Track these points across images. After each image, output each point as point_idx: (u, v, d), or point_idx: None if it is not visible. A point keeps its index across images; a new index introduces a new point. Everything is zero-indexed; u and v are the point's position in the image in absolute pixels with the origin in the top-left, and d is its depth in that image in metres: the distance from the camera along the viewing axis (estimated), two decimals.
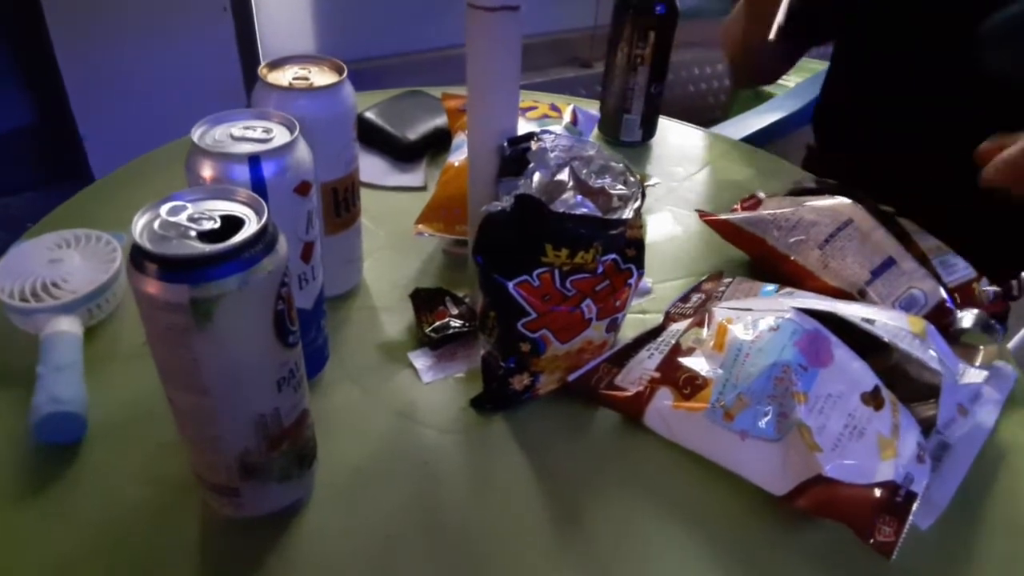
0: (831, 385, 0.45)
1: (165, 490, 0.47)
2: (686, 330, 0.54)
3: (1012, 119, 0.63)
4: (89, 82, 1.85)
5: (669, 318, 0.60)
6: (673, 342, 0.53)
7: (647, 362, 0.53)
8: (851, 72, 0.93)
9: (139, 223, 0.35)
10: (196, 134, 0.44)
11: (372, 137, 0.85)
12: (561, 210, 0.50)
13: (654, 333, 0.57)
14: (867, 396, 0.45)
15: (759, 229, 0.67)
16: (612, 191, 0.53)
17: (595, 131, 0.89)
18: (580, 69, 2.40)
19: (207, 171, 0.43)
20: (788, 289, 0.59)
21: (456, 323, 0.59)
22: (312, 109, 0.52)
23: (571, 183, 0.54)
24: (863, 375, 0.46)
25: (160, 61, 1.87)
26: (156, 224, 0.36)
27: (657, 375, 0.51)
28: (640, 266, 0.53)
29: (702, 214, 0.71)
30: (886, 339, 0.48)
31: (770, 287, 0.60)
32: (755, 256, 0.70)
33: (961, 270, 0.64)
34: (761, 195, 0.74)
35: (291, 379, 0.40)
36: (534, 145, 0.53)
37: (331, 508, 0.47)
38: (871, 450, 0.42)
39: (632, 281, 0.53)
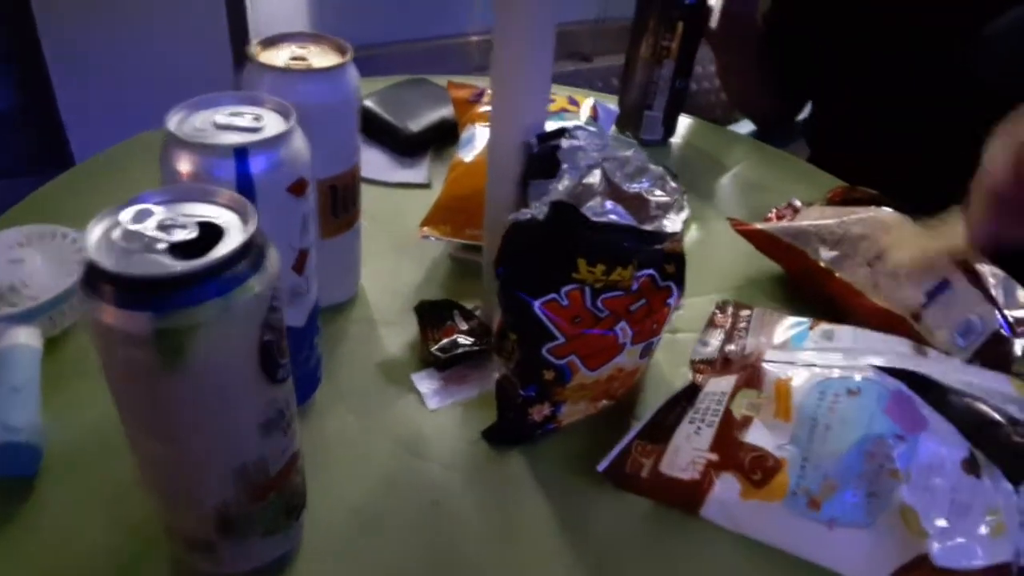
0: (929, 456, 0.39)
1: (134, 537, 0.40)
2: (733, 393, 0.46)
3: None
4: (73, 66, 1.76)
5: (696, 368, 0.53)
6: (721, 409, 0.46)
7: (696, 439, 0.45)
8: (839, 82, 0.89)
9: (94, 233, 0.28)
10: (173, 122, 0.37)
11: (371, 128, 0.78)
12: (593, 218, 0.43)
13: (688, 395, 0.49)
14: (966, 463, 0.39)
15: (800, 241, 0.61)
16: (650, 197, 0.47)
17: (612, 128, 0.83)
18: (581, 63, 2.33)
19: (185, 166, 0.36)
20: (824, 326, 0.52)
21: (466, 341, 0.53)
22: (311, 94, 0.45)
23: (601, 187, 0.47)
24: (955, 438, 0.40)
25: (147, 45, 1.79)
26: (116, 234, 0.29)
27: (714, 457, 0.44)
28: (680, 284, 0.47)
29: (735, 223, 0.65)
30: (995, 415, 0.41)
31: (801, 323, 0.53)
32: (793, 271, 0.63)
33: (1018, 293, 0.58)
34: (798, 203, 0.68)
35: (279, 421, 0.33)
36: (565, 143, 0.46)
37: (324, 559, 0.41)
38: (980, 527, 0.36)
39: (672, 301, 0.47)
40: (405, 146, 0.77)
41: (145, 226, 0.29)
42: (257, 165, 0.36)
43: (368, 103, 0.80)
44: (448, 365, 0.52)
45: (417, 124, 0.78)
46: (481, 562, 0.41)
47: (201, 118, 0.38)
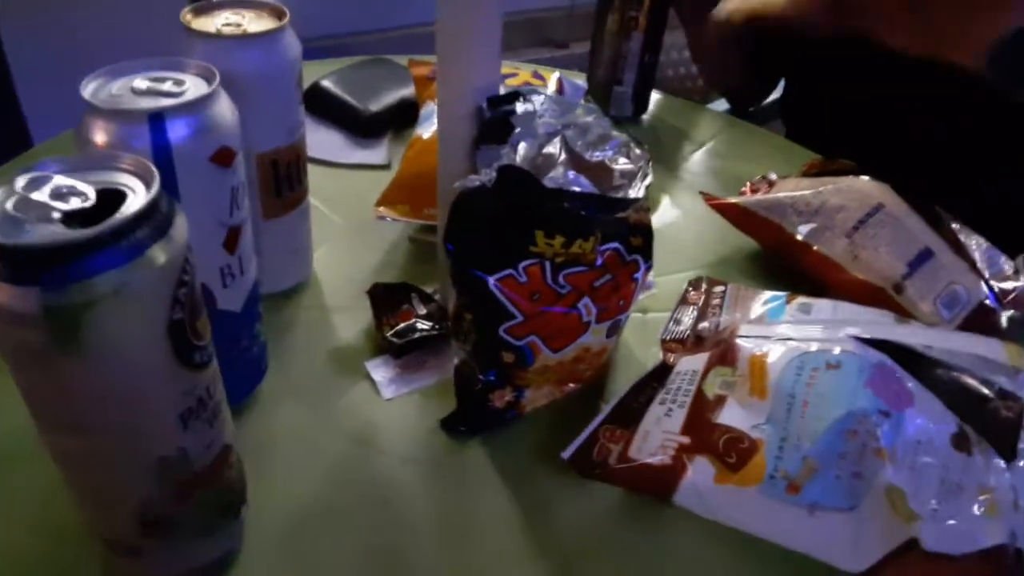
0: (916, 432, 0.36)
1: (65, 543, 0.37)
2: (706, 371, 0.43)
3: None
4: (32, 51, 1.71)
5: (666, 347, 0.50)
6: (693, 389, 0.43)
7: (666, 421, 0.41)
8: (815, 56, 0.86)
9: None
10: (88, 89, 0.34)
11: (328, 108, 0.75)
12: (548, 185, 0.40)
13: (658, 375, 0.46)
14: (956, 439, 0.36)
15: (775, 214, 0.58)
16: (613, 165, 0.44)
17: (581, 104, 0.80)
18: (556, 50, 2.30)
19: (99, 135, 0.33)
20: (801, 299, 0.50)
21: (423, 325, 0.50)
22: (246, 61, 0.42)
23: (562, 156, 0.44)
24: (943, 414, 0.37)
25: (108, 30, 1.73)
26: (9, 203, 0.26)
27: (686, 440, 0.40)
28: (648, 257, 0.44)
29: (707, 197, 0.62)
30: (983, 389, 0.39)
31: (777, 296, 0.51)
32: (769, 245, 0.61)
33: (1002, 263, 0.56)
34: (773, 176, 0.65)
35: (201, 411, 0.30)
36: (520, 107, 0.43)
37: (267, 563, 0.38)
38: (973, 508, 0.33)
39: (639, 275, 0.44)
40: (364, 127, 0.74)
41: (40, 194, 0.25)
42: (175, 131, 0.32)
43: (325, 83, 0.76)
44: (404, 351, 0.49)
45: (377, 104, 0.75)
46: (438, 563, 0.38)
47: (120, 84, 0.34)
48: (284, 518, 0.39)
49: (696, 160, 0.76)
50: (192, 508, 0.32)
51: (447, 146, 0.45)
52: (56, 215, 0.25)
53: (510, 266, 0.40)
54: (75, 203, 0.25)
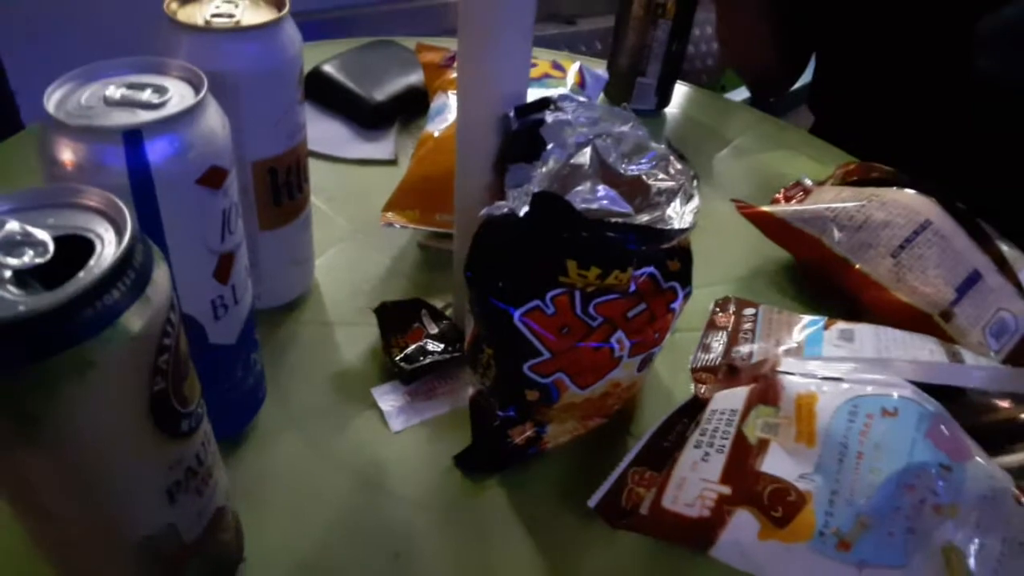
0: (977, 487, 0.33)
1: None
2: (746, 410, 0.39)
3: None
4: (21, 31, 1.64)
5: (697, 378, 0.46)
6: (732, 432, 0.38)
7: (704, 467, 0.37)
8: (847, 37, 0.81)
9: None
10: (52, 100, 0.29)
11: (331, 97, 0.70)
12: (581, 206, 0.36)
13: (689, 410, 0.42)
14: (1019, 495, 0.32)
15: (815, 227, 0.54)
16: (651, 181, 0.39)
17: (600, 96, 0.75)
18: (564, 26, 2.22)
19: (66, 155, 0.28)
20: (840, 325, 0.46)
21: (434, 347, 0.45)
22: (240, 58, 0.37)
23: (592, 168, 0.40)
24: (993, 466, 0.34)
25: (97, 11, 1.67)
26: None
27: (727, 491, 0.36)
28: (686, 283, 0.40)
29: (740, 205, 0.58)
30: None
31: (815, 321, 0.47)
32: (806, 260, 0.56)
33: None
34: (808, 182, 0.61)
35: (190, 481, 0.26)
36: (550, 117, 0.38)
37: None
38: None
39: (676, 305, 0.40)
40: (369, 118, 0.69)
41: None
42: (155, 152, 0.27)
43: (327, 68, 0.71)
44: (415, 377, 0.44)
45: (382, 92, 0.70)
46: None
47: (89, 93, 0.29)
48: (284, 573, 0.35)
49: (723, 159, 0.71)
50: None
51: (467, 158, 0.40)
52: (6, 274, 0.20)
53: (537, 297, 0.35)
54: (30, 257, 0.21)
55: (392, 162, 0.65)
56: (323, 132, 0.67)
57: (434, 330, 0.47)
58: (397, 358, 0.44)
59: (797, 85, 1.03)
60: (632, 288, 0.38)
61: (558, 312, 0.36)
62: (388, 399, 0.44)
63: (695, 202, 0.37)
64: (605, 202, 0.37)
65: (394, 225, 0.52)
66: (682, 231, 0.35)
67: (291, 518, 0.38)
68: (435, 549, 0.37)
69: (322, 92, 0.70)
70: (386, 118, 0.69)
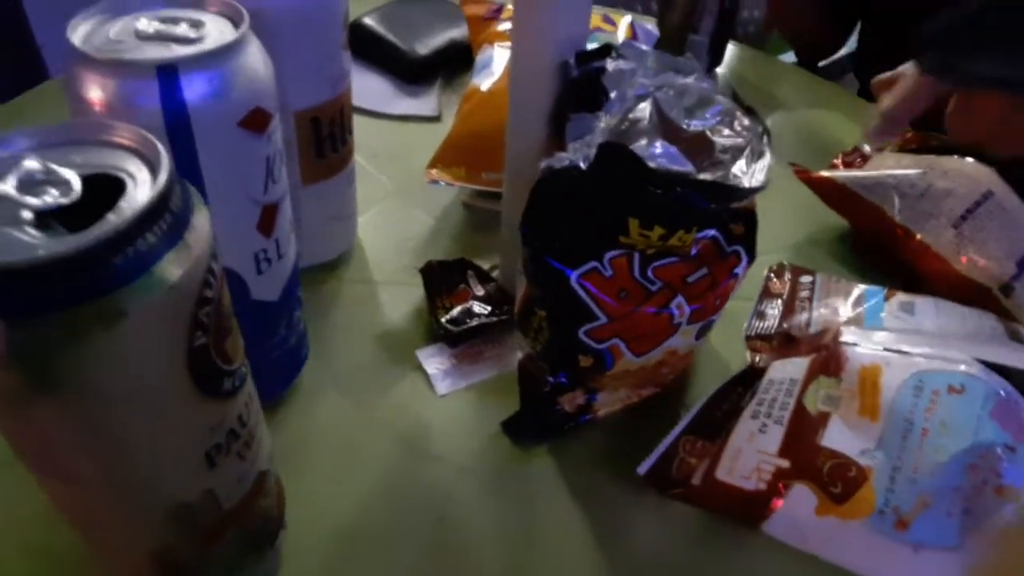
0: None
1: (65, 568, 0.32)
2: (807, 381, 0.37)
3: None
4: None
5: (752, 346, 0.44)
6: (792, 403, 0.37)
7: (761, 439, 0.36)
8: (889, 15, 0.77)
9: None
10: (78, 33, 0.27)
11: (371, 50, 0.67)
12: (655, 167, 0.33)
13: (743, 380, 0.40)
14: None
15: (876, 195, 0.51)
16: (716, 137, 0.37)
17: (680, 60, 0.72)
18: None
19: (93, 92, 0.26)
20: (901, 296, 0.44)
21: (481, 309, 0.44)
22: None
23: (651, 123, 0.37)
24: None
25: None
26: None
27: (785, 464, 0.35)
28: (750, 249, 0.37)
29: (798, 169, 0.54)
30: None
31: (874, 291, 0.45)
32: (864, 228, 0.53)
33: None
34: (867, 149, 0.58)
35: (232, 444, 0.24)
36: (611, 65, 0.36)
37: None
38: None
39: (739, 270, 0.37)
40: (411, 72, 0.66)
41: (3, 184, 0.19)
42: (192, 90, 0.26)
43: (367, 21, 0.69)
44: (460, 340, 0.43)
45: (425, 46, 0.67)
46: None
47: (119, 26, 0.28)
48: (325, 538, 0.34)
49: (777, 122, 0.68)
50: (221, 549, 0.27)
51: (520, 108, 0.38)
52: (26, 215, 0.19)
53: (595, 258, 0.33)
54: (53, 197, 0.19)
55: (436, 118, 0.63)
56: (365, 87, 0.65)
57: (480, 292, 0.45)
58: (443, 319, 0.43)
59: (843, 52, 0.98)
60: (693, 252, 0.35)
61: (616, 275, 0.34)
62: (433, 362, 0.42)
63: (766, 159, 0.34)
64: (664, 160, 0.35)
65: (439, 183, 0.50)
66: (754, 189, 0.32)
67: (333, 481, 0.37)
68: (480, 515, 0.36)
69: (363, 45, 0.67)
70: (429, 73, 0.67)
